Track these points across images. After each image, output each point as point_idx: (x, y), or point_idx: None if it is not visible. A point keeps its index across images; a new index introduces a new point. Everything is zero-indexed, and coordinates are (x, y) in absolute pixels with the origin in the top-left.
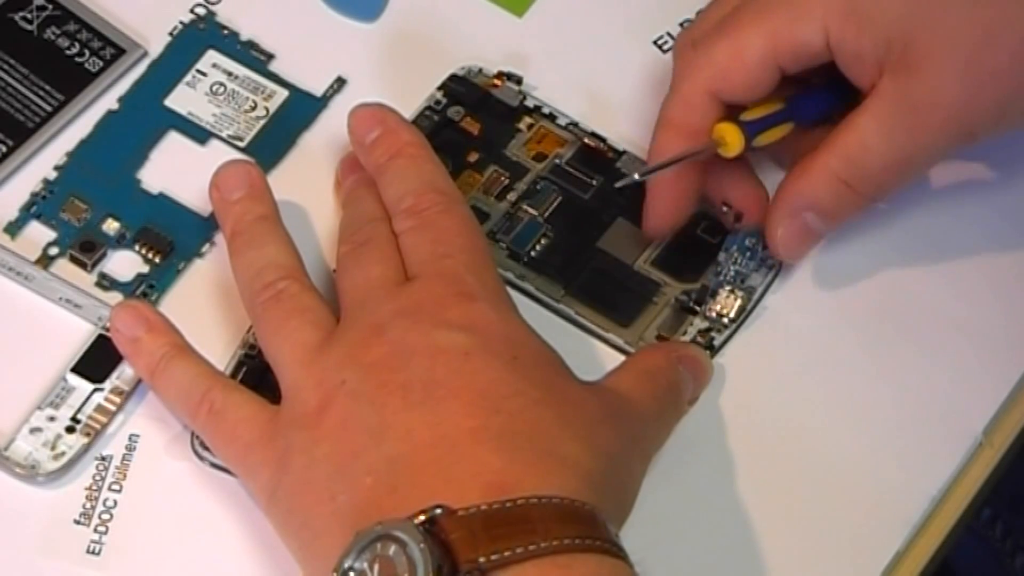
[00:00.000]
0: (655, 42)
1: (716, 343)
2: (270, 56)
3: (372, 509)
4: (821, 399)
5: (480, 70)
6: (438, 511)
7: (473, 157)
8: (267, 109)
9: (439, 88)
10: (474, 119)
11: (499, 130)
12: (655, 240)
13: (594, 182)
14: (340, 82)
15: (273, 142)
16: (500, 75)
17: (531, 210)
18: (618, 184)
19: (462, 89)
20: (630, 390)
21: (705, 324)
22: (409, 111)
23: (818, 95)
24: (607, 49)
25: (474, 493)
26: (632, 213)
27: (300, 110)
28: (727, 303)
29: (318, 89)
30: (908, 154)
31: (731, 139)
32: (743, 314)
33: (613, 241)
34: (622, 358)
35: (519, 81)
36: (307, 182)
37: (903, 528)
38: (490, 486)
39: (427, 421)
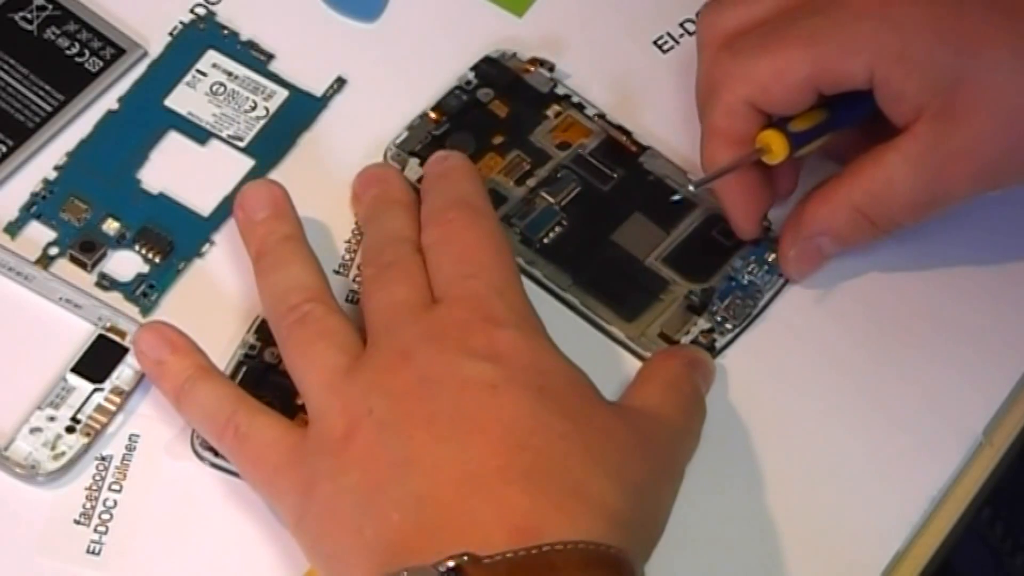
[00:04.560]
0: (655, 42)
1: (718, 345)
2: (270, 56)
3: (399, 547)
4: (821, 399)
5: (514, 54)
6: (464, 559)
7: (498, 139)
8: (267, 109)
9: (472, 68)
10: (503, 102)
11: (526, 115)
12: (750, 239)
13: (615, 175)
14: (340, 82)
15: (273, 142)
16: (533, 60)
17: (548, 197)
18: (674, 198)
19: (494, 71)
20: (658, 406)
21: (709, 325)
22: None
23: (857, 102)
24: (607, 49)
25: (500, 537)
26: (649, 209)
27: (300, 110)
28: (734, 308)
29: (318, 89)
30: (932, 197)
31: (776, 148)
32: (748, 319)
33: (627, 235)
34: (623, 352)
35: (551, 68)
36: (307, 182)
37: (903, 528)
38: (516, 530)
39: (454, 457)
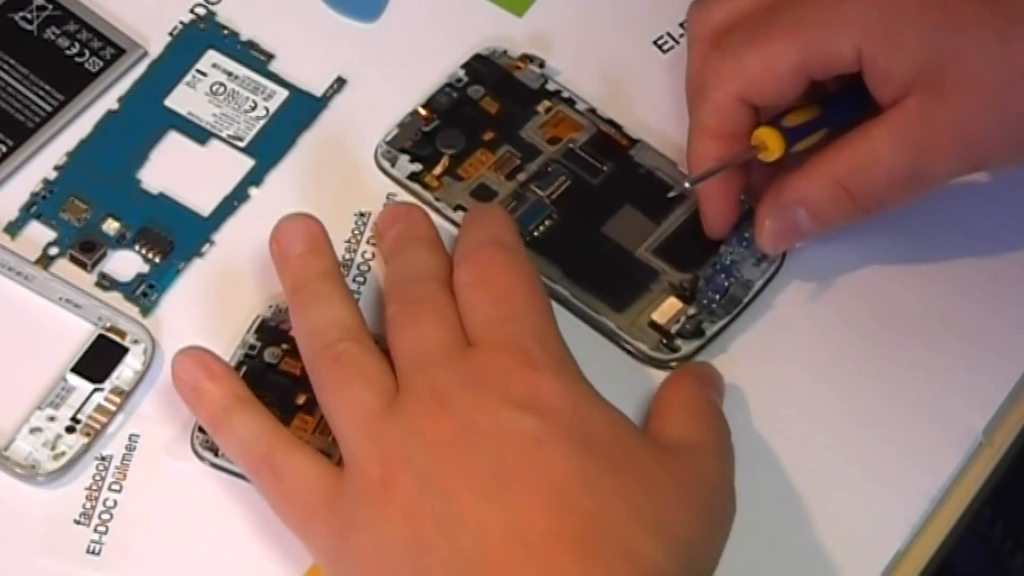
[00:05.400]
0: (655, 42)
1: (707, 332)
2: (270, 56)
3: None
4: (821, 399)
5: (505, 52)
6: None
7: (488, 136)
8: (267, 109)
9: (463, 66)
10: (493, 99)
11: (517, 111)
12: (717, 238)
13: (605, 168)
14: (340, 82)
15: (273, 142)
16: (524, 57)
17: (538, 191)
18: (670, 195)
19: (484, 69)
20: (690, 437)
21: (696, 312)
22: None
23: (851, 98)
24: (607, 49)
25: None
26: (639, 201)
27: (300, 110)
28: (724, 295)
29: (318, 89)
30: (916, 172)
31: (772, 144)
32: (738, 306)
33: (618, 228)
34: (613, 345)
35: (542, 64)
36: (307, 182)
37: (903, 528)
38: None
39: (502, 517)
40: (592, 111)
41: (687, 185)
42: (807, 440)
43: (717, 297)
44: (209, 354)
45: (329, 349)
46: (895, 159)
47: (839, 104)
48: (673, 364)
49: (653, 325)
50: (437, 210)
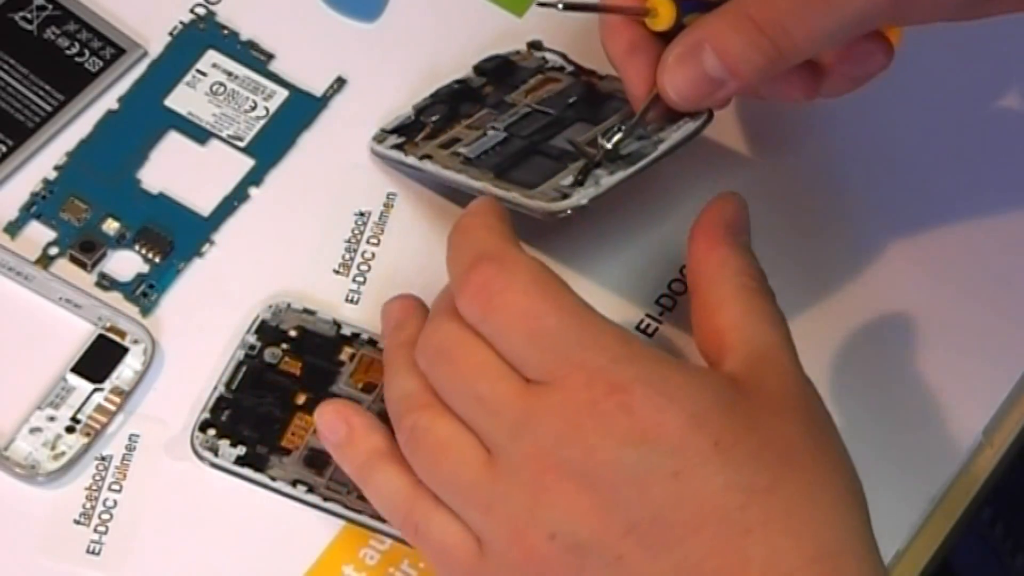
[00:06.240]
0: None
1: (602, 182)
2: (270, 56)
3: None
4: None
5: (518, 52)
6: None
7: (476, 109)
8: (267, 109)
9: (474, 67)
10: (492, 86)
11: (509, 88)
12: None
13: (570, 101)
14: (340, 82)
15: (273, 142)
16: (529, 46)
17: (498, 126)
18: (538, 2)
19: (491, 65)
20: (763, 342)
21: (596, 164)
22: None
23: None
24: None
25: None
26: (591, 118)
27: (300, 110)
28: (616, 140)
29: (318, 89)
30: None
31: (663, 11)
32: (642, 160)
33: (563, 138)
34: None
35: (539, 46)
36: (307, 182)
37: (903, 528)
38: None
39: (680, 567)
40: (577, 69)
41: (559, 6)
42: None
43: (609, 144)
44: (350, 407)
45: (401, 428)
46: None
47: None
48: (569, 212)
49: (557, 189)
50: (405, 164)
